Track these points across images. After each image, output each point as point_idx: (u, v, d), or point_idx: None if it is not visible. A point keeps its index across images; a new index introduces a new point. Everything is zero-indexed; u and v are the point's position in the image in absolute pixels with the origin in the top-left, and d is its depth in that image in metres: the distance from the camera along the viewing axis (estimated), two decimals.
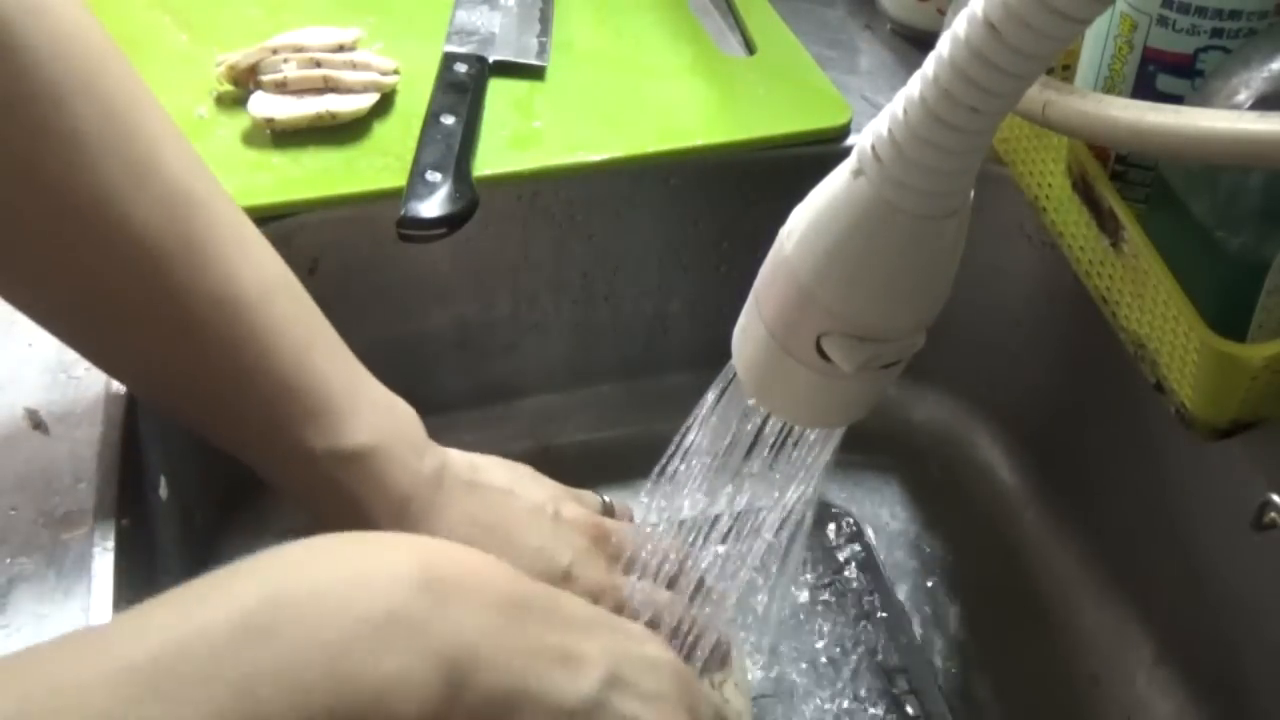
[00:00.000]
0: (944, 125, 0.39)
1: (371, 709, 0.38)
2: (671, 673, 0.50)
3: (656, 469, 0.57)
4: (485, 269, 0.74)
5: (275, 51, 0.73)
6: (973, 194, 0.43)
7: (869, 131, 0.42)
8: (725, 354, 0.50)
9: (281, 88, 0.72)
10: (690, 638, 0.58)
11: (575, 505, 0.61)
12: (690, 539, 0.60)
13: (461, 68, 0.74)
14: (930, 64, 0.39)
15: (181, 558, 0.65)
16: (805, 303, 0.45)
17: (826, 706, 0.67)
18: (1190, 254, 0.56)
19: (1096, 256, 0.61)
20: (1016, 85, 0.39)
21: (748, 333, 0.48)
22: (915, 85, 0.40)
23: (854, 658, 0.69)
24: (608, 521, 0.61)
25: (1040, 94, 0.48)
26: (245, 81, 0.73)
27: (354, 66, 0.73)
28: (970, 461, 0.81)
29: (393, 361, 0.75)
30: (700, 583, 0.60)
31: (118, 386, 0.59)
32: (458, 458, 0.59)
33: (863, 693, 0.67)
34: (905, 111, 0.40)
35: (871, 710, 0.67)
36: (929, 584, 0.74)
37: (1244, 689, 0.64)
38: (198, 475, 0.67)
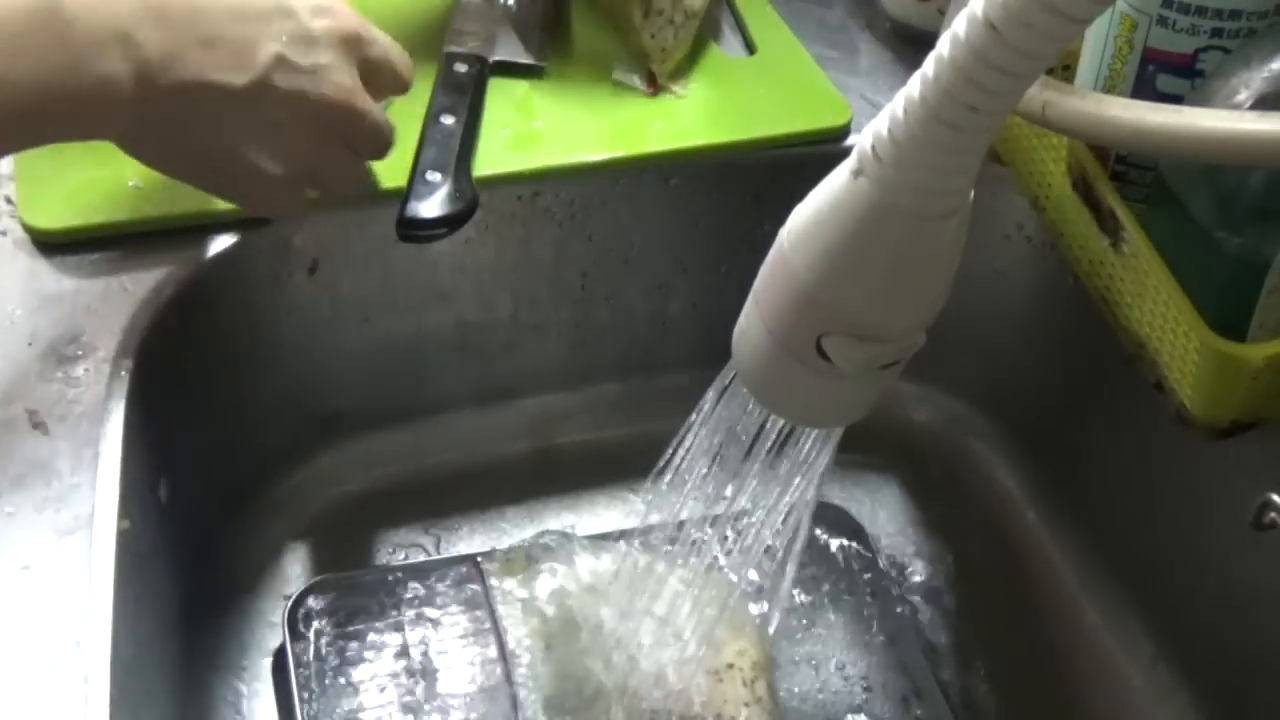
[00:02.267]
0: (944, 125, 0.39)
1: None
2: (331, 41, 0.57)
3: (656, 469, 0.57)
4: (485, 269, 0.74)
5: None
6: (973, 194, 0.43)
7: (869, 131, 0.42)
8: (725, 354, 0.50)
9: None
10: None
11: None
12: (690, 540, 0.60)
13: (461, 68, 0.73)
14: (930, 64, 0.39)
15: (181, 558, 0.65)
16: (805, 303, 0.45)
17: (827, 707, 0.67)
18: (1190, 254, 0.56)
19: (1096, 256, 0.61)
20: (1016, 85, 0.39)
21: (748, 333, 0.48)
22: (915, 85, 0.40)
23: (854, 658, 0.69)
24: None
25: (1040, 94, 0.48)
26: None
27: None
28: (970, 461, 0.81)
29: (393, 362, 0.75)
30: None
31: (118, 387, 0.59)
32: None
33: (864, 693, 0.67)
34: (905, 111, 0.40)
35: (872, 710, 0.67)
36: (929, 584, 0.74)
37: (1244, 689, 0.64)
38: (198, 475, 0.67)
